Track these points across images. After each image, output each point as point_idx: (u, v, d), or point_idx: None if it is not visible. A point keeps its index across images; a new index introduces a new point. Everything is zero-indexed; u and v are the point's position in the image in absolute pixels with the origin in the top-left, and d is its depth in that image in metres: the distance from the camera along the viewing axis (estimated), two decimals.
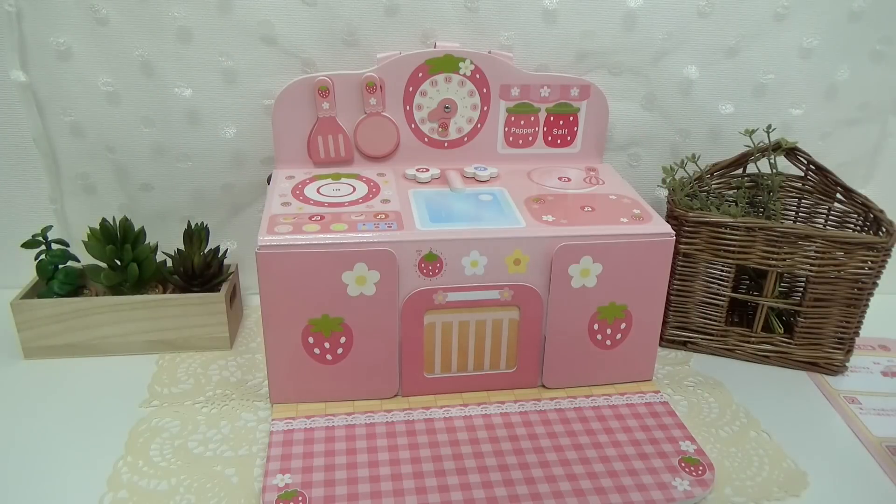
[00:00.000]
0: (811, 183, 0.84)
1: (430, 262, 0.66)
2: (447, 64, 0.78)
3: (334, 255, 0.64)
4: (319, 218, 0.67)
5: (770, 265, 0.75)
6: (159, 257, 0.81)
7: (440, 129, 0.80)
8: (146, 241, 0.80)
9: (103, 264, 0.79)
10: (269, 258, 0.63)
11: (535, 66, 0.82)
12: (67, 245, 0.81)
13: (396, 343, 0.68)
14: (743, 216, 0.76)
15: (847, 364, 0.79)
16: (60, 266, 0.79)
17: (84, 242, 0.78)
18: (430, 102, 0.79)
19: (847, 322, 0.76)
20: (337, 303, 0.65)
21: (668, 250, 0.69)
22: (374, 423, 0.67)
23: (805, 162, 0.83)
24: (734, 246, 0.75)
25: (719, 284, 0.78)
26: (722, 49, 0.83)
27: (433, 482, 0.59)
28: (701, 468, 0.62)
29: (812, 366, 0.79)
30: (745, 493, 0.61)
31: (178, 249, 0.80)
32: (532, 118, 0.82)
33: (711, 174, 0.84)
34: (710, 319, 0.80)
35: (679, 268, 0.78)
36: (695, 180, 0.82)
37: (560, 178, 0.79)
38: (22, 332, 0.76)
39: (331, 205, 0.70)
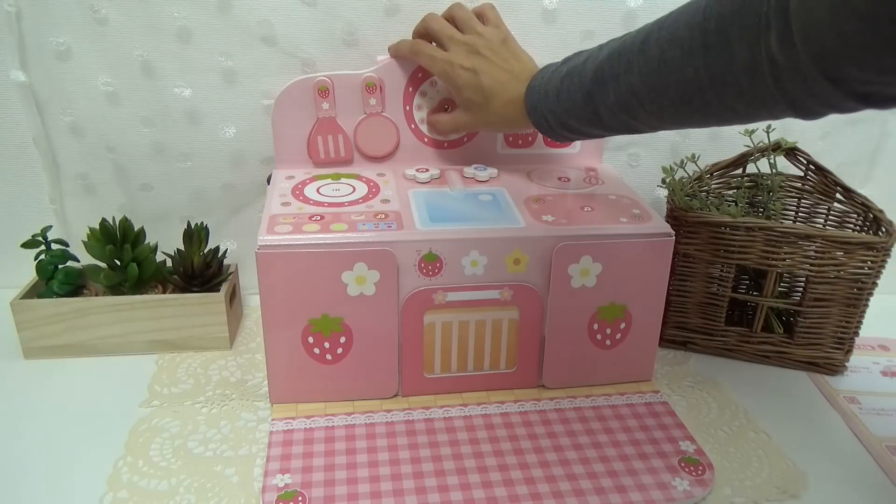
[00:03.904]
0: (811, 183, 0.84)
1: (430, 262, 0.66)
2: None
3: (334, 254, 0.64)
4: (319, 218, 0.67)
5: (770, 265, 0.75)
6: (159, 257, 0.81)
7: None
8: (146, 241, 0.80)
9: (103, 264, 0.79)
10: (269, 258, 0.63)
11: None
12: (67, 245, 0.81)
13: (396, 343, 0.68)
14: (743, 216, 0.76)
15: (847, 364, 0.79)
16: (60, 266, 0.79)
17: (84, 242, 0.78)
18: (430, 102, 0.79)
19: (847, 322, 0.76)
20: (337, 303, 0.66)
21: (667, 250, 0.69)
22: (374, 423, 0.67)
23: (805, 162, 0.83)
24: (734, 246, 0.75)
25: (719, 284, 0.78)
26: None
27: (433, 482, 0.60)
28: (700, 468, 0.62)
29: (812, 366, 0.79)
30: (744, 494, 0.61)
31: (177, 249, 0.80)
32: None
33: (711, 174, 0.84)
34: (709, 319, 0.80)
35: (679, 268, 0.78)
36: (694, 180, 0.82)
37: (559, 179, 0.80)
38: (21, 332, 0.76)
39: (331, 205, 0.70)
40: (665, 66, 0.54)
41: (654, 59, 0.55)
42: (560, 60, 0.67)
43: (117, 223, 0.79)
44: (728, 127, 0.85)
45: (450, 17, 0.74)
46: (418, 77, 0.78)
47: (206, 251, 0.80)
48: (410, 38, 0.78)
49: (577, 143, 0.84)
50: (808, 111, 0.48)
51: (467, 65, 0.70)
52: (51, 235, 0.79)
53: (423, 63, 0.74)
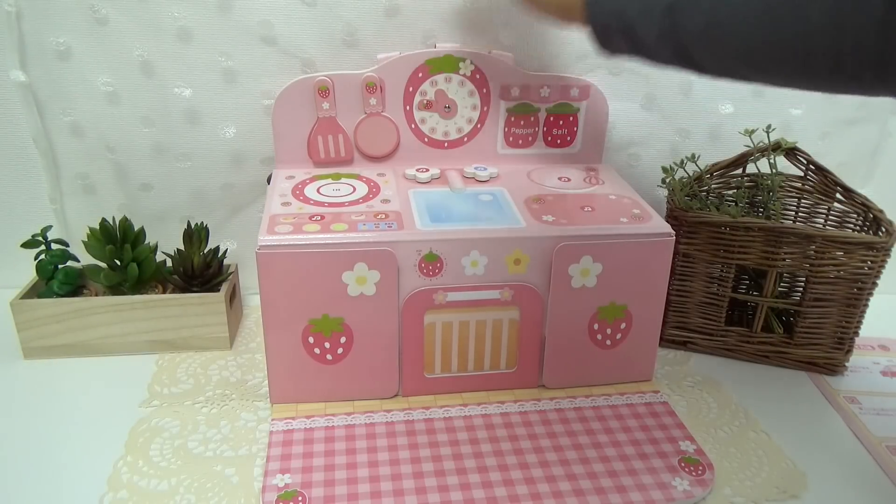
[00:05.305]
0: (811, 183, 0.84)
1: (431, 262, 0.66)
2: (447, 64, 0.78)
3: (334, 254, 0.64)
4: (319, 218, 0.67)
5: (770, 265, 0.75)
6: (159, 257, 0.81)
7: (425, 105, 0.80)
8: (146, 241, 0.80)
9: (103, 264, 0.79)
10: (270, 258, 0.63)
11: (535, 66, 0.82)
12: (67, 245, 0.81)
13: (396, 343, 0.68)
14: (743, 216, 0.76)
15: (847, 364, 0.79)
16: (60, 266, 0.79)
17: (84, 242, 0.78)
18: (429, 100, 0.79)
19: (847, 322, 0.76)
20: (337, 303, 0.66)
21: (667, 250, 0.69)
22: (374, 423, 0.67)
23: (805, 162, 0.83)
24: (734, 246, 0.75)
25: (719, 284, 0.78)
26: None
27: (433, 482, 0.60)
28: (700, 468, 0.62)
29: (812, 366, 0.79)
30: (744, 494, 0.61)
31: (177, 249, 0.80)
32: (532, 118, 0.82)
33: (711, 174, 0.84)
34: (709, 319, 0.80)
35: (679, 268, 0.78)
36: (694, 180, 0.82)
37: (560, 178, 0.80)
38: (22, 332, 0.76)
39: (331, 205, 0.70)
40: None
41: None
42: None
43: (117, 223, 0.79)
44: (730, 127, 0.86)
45: None
46: (418, 77, 0.78)
47: (206, 251, 0.80)
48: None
49: (578, 143, 0.84)
50: None
51: None
52: (51, 235, 0.79)
53: None
